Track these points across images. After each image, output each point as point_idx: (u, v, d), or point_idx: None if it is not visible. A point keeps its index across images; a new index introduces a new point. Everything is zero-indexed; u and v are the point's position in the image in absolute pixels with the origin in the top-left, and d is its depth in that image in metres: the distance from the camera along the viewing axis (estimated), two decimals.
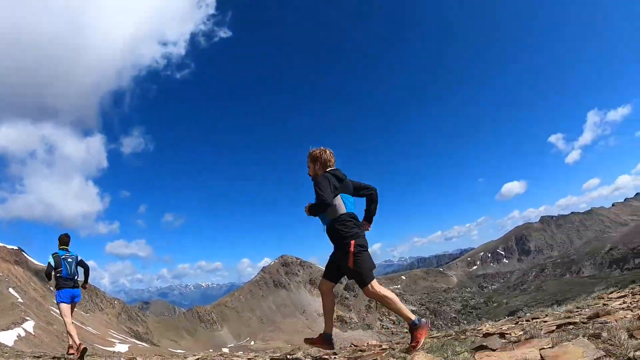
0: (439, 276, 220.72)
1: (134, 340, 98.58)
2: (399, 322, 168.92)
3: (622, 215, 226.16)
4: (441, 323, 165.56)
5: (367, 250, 5.09)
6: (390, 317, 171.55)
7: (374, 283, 4.96)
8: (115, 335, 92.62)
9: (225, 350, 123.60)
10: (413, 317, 4.98)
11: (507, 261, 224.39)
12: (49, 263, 9.18)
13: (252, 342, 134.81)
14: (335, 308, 5.84)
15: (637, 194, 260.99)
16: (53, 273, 9.21)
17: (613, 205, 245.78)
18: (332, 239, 5.27)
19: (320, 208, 5.04)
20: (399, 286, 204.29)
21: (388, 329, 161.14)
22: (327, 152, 5.48)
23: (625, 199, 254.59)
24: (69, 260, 9.37)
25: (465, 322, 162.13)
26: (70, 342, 8.85)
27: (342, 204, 5.21)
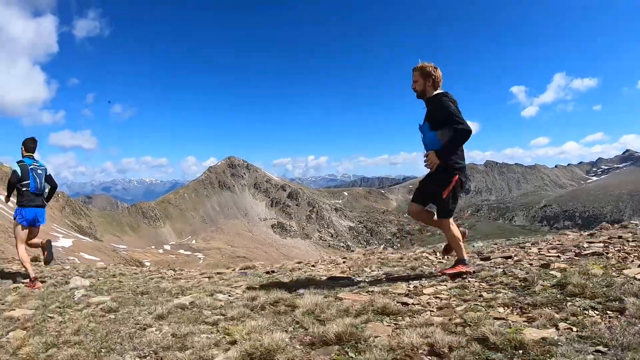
0: (379, 197, 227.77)
1: (77, 234, 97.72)
2: (336, 236, 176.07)
3: (562, 177, 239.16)
4: (376, 243, 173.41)
5: (461, 188, 5.02)
6: (329, 230, 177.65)
7: (451, 220, 5.13)
8: (59, 230, 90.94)
9: (167, 247, 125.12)
10: (465, 256, 5.16)
11: None
12: (14, 171, 7.47)
13: (194, 241, 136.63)
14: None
15: (580, 162, 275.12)
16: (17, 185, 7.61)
17: (556, 166, 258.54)
18: (439, 167, 5.02)
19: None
20: (340, 201, 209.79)
21: (325, 240, 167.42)
22: (439, 70, 5.11)
23: (568, 164, 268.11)
24: (39, 171, 7.70)
25: (398, 244, 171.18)
26: (31, 274, 7.44)
27: None
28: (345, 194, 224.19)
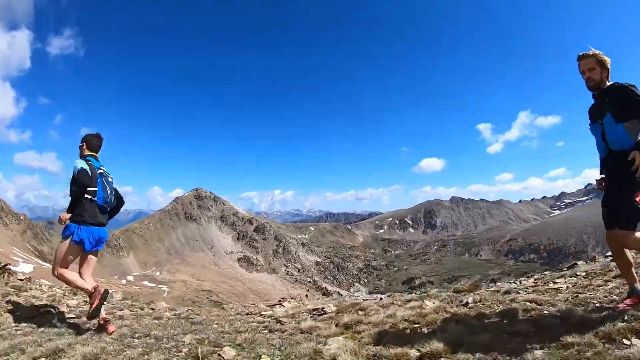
0: (346, 233, 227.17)
1: (38, 260, 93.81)
2: (303, 271, 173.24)
3: (526, 212, 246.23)
4: (343, 278, 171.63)
5: None
6: (296, 264, 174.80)
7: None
8: (19, 254, 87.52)
9: (130, 278, 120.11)
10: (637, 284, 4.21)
11: (412, 231, 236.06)
12: (83, 169, 5.12)
13: (158, 273, 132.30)
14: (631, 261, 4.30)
15: (543, 197, 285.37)
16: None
17: (520, 201, 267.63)
18: (627, 167, 3.87)
19: None
20: (306, 236, 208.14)
21: (292, 275, 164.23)
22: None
23: (532, 199, 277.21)
24: (109, 179, 5.57)
25: (365, 280, 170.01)
26: (89, 287, 5.12)
27: None
28: (312, 229, 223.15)
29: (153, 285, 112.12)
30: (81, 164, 5.12)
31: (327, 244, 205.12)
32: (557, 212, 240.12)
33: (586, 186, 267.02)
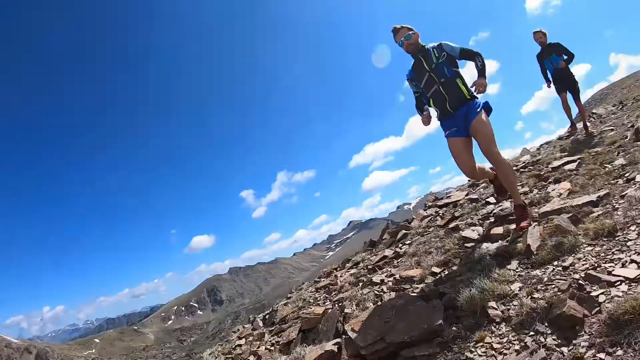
0: (134, 335, 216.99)
1: None
2: None
3: (303, 262, 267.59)
4: None
5: None
6: None
7: None
8: None
9: None
10: None
11: (201, 312, 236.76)
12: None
13: None
14: None
15: (314, 244, 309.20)
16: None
17: (294, 254, 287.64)
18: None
19: None
20: (93, 350, 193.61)
21: None
22: None
23: (304, 249, 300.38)
24: None
25: None
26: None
27: None
28: (97, 340, 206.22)
29: None
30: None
31: (118, 352, 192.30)
32: (331, 253, 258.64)
33: (349, 224, 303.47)
